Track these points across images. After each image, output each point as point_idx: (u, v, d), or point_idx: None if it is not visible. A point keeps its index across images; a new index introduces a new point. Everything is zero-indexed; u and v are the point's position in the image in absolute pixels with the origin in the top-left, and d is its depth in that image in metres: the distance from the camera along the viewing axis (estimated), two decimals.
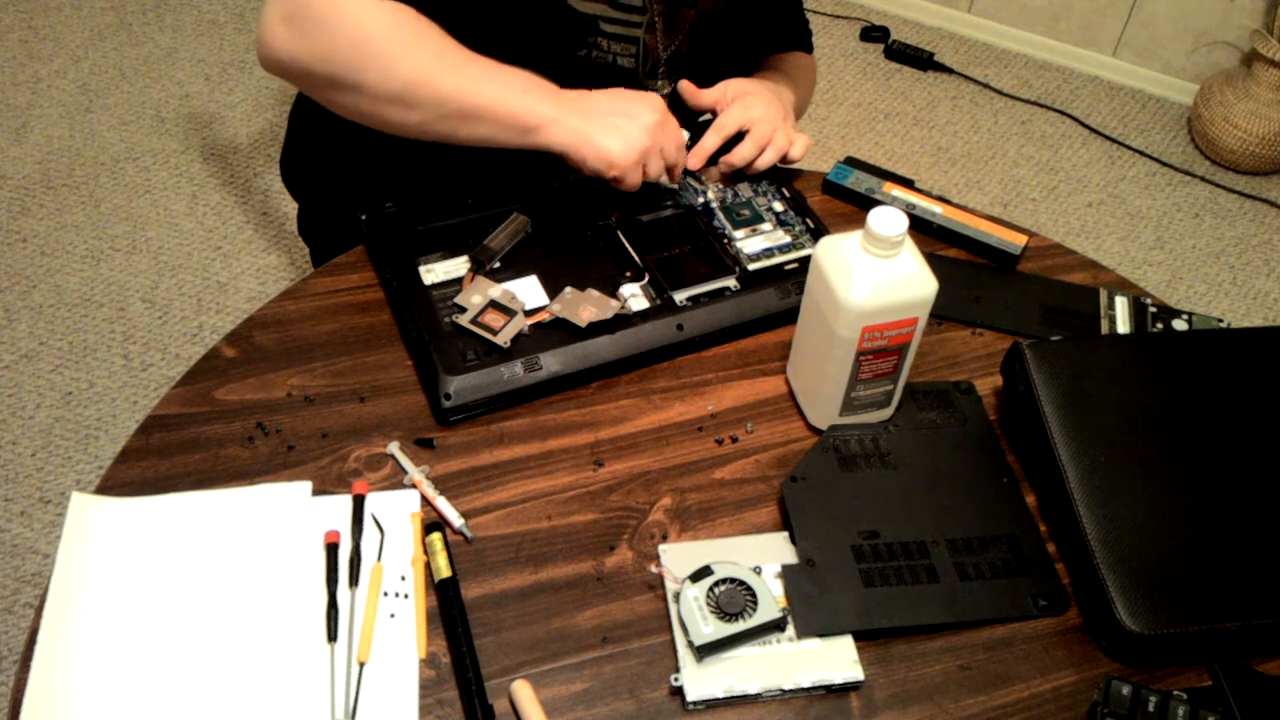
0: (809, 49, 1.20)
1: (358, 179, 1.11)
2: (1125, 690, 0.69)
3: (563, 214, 0.97)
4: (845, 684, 0.71)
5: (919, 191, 1.05)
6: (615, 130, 0.87)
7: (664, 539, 0.79)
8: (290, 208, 2.05)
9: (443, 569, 0.74)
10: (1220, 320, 0.96)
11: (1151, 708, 0.68)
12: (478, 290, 0.88)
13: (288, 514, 0.77)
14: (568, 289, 0.90)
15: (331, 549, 0.75)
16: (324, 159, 1.18)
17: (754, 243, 0.97)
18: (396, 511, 0.78)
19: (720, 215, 0.99)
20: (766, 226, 0.98)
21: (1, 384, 1.73)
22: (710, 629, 0.71)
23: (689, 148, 1.00)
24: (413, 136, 0.88)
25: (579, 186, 0.99)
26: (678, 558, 0.76)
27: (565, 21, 0.94)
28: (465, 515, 0.79)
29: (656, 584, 0.76)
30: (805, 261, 0.94)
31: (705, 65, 1.06)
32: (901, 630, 0.74)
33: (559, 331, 0.87)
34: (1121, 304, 0.97)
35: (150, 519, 0.76)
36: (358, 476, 0.80)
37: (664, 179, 0.94)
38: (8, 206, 2.01)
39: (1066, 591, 0.77)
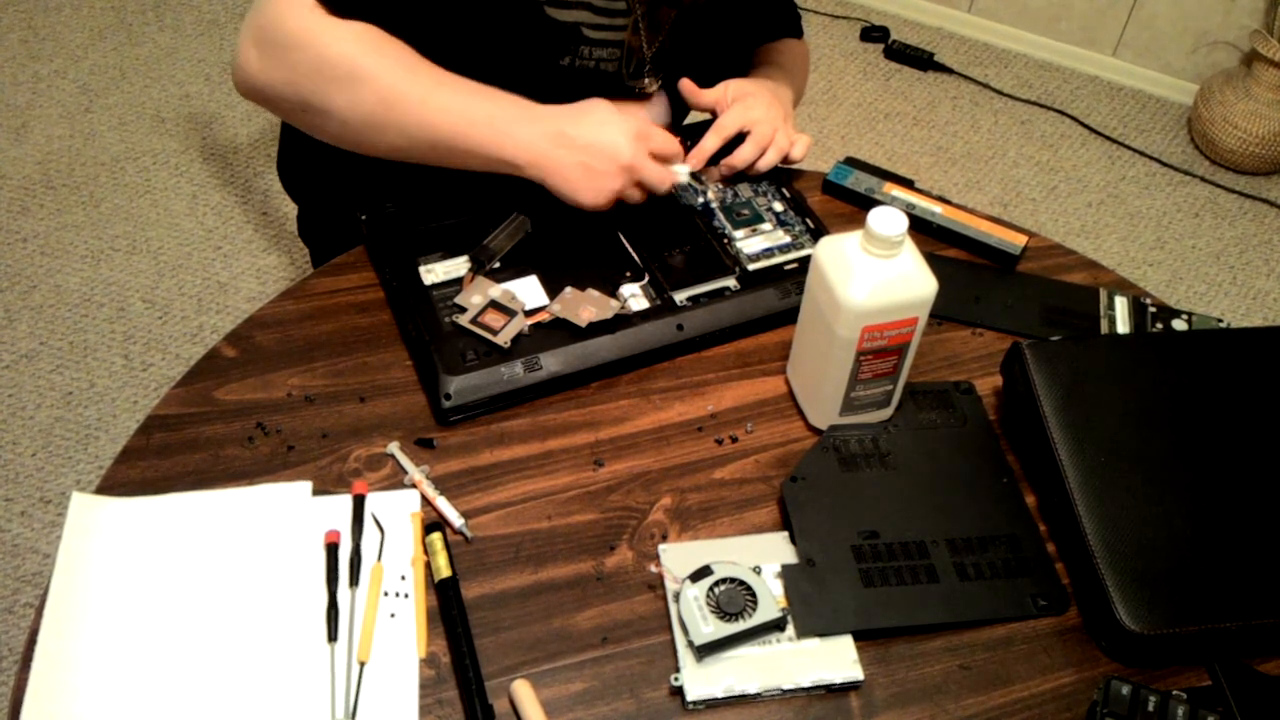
0: (799, 33, 1.19)
1: (356, 180, 1.11)
2: (1125, 690, 0.69)
3: (563, 214, 0.97)
4: (845, 684, 0.71)
5: (919, 191, 1.05)
6: (587, 176, 0.87)
7: (664, 539, 0.79)
8: (290, 208, 2.05)
9: (443, 569, 0.75)
10: (1220, 320, 0.96)
11: (1151, 708, 0.68)
12: (478, 290, 0.88)
13: (288, 514, 0.77)
14: (568, 289, 0.90)
15: (331, 549, 0.75)
16: (320, 161, 1.17)
17: (754, 243, 0.97)
18: (396, 511, 0.78)
19: (720, 215, 0.99)
20: (766, 226, 0.98)
21: (2, 384, 1.73)
22: (710, 629, 0.71)
23: (689, 149, 1.00)
24: (398, 159, 0.89)
25: None
26: (678, 558, 0.76)
27: (547, 33, 0.93)
28: (465, 515, 0.79)
29: (656, 584, 0.76)
30: (805, 261, 0.94)
31: (692, 60, 1.05)
32: (901, 630, 0.74)
33: (559, 331, 0.87)
34: (1121, 304, 0.97)
35: (150, 519, 0.76)
36: (358, 476, 0.80)
37: (663, 189, 0.92)
38: (8, 206, 2.01)
39: (1066, 591, 0.77)
